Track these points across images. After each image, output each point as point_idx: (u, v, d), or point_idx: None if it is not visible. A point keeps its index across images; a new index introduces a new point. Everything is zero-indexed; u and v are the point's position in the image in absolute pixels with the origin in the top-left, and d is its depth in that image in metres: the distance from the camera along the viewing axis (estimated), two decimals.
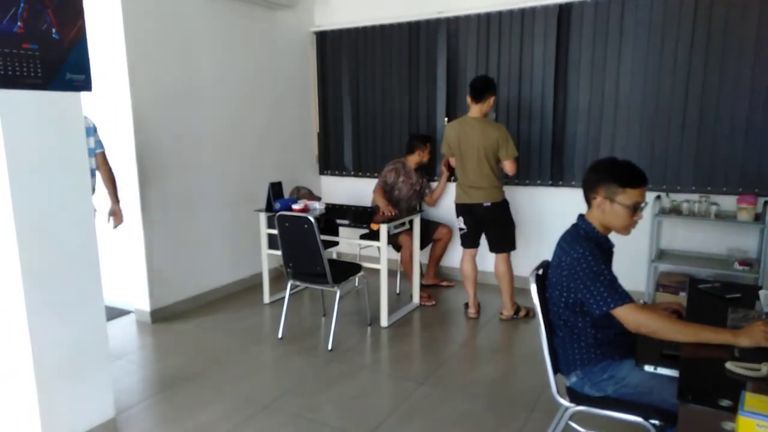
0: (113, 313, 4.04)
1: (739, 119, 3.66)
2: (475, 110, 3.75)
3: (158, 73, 3.85)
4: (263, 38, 4.72)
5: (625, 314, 1.79)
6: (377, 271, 3.82)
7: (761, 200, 3.61)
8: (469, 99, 3.79)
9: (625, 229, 1.96)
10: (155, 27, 3.79)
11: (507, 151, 3.69)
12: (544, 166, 4.38)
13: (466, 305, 4.09)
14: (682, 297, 3.77)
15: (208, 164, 4.30)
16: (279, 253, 3.86)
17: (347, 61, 5.15)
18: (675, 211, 3.78)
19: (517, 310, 3.95)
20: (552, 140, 4.29)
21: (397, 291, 4.56)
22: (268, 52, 4.78)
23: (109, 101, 3.76)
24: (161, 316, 3.99)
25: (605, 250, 1.99)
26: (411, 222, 4.11)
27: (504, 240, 3.89)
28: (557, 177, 4.36)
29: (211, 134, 4.30)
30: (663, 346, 1.84)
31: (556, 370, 2.01)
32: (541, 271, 2.06)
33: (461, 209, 3.92)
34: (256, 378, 3.11)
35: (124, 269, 4.07)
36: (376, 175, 5.15)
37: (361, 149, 5.23)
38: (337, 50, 5.19)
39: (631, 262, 4.05)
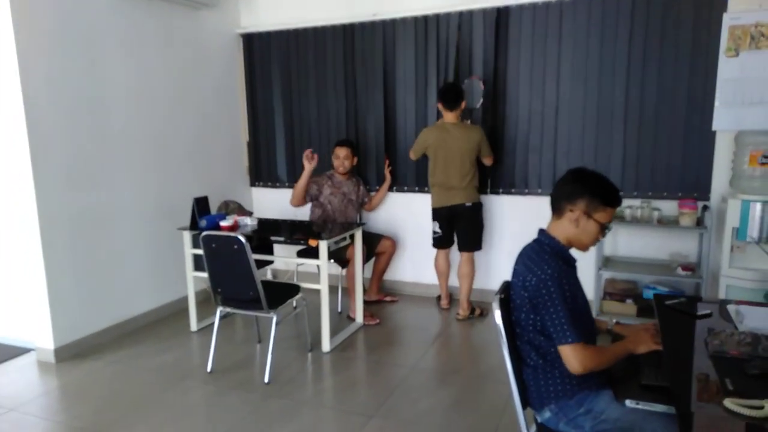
0: (8, 353, 3.49)
1: (678, 124, 3.67)
2: (450, 116, 3.89)
3: (59, 74, 3.36)
4: (184, 40, 4.30)
5: (573, 354, 1.63)
6: (316, 290, 3.51)
7: (700, 204, 3.63)
8: (440, 106, 3.91)
9: (588, 247, 1.87)
10: (53, 25, 3.31)
11: (486, 150, 3.93)
12: (493, 175, 4.24)
13: (439, 298, 4.32)
14: (629, 304, 3.73)
15: (123, 175, 3.83)
16: (206, 275, 3.50)
17: (278, 65, 4.82)
18: (618, 217, 3.74)
19: (472, 310, 4.06)
20: (495, 148, 4.15)
21: (339, 310, 4.26)
22: (190, 55, 4.36)
23: None
24: (69, 354, 3.47)
25: (571, 266, 1.84)
26: (353, 236, 3.84)
27: (475, 239, 4.04)
28: (495, 184, 4.24)
29: (126, 143, 3.84)
30: (642, 376, 1.68)
31: (524, 404, 1.80)
32: (503, 295, 1.85)
33: (440, 213, 4.00)
34: (185, 422, 2.72)
35: (19, 298, 3.52)
36: None
37: (296, 158, 4.89)
38: (266, 54, 4.84)
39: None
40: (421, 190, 4.47)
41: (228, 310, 3.28)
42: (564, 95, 3.93)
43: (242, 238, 2.97)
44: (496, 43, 4.04)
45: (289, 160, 4.92)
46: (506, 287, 1.88)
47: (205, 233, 3.07)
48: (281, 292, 3.33)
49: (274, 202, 5.03)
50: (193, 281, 3.86)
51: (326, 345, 3.51)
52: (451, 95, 3.87)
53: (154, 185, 4.08)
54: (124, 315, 3.87)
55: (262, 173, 5.07)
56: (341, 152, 4.19)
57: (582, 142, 3.92)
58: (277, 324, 3.17)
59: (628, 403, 1.58)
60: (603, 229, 1.79)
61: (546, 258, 1.75)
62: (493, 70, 4.07)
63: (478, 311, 4.09)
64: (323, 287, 3.46)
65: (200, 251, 3.59)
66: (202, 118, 4.52)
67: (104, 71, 3.66)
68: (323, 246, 3.41)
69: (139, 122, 3.94)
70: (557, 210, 1.83)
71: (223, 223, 3.68)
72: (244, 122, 5.03)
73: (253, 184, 5.12)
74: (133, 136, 3.90)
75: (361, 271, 3.90)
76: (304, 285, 3.50)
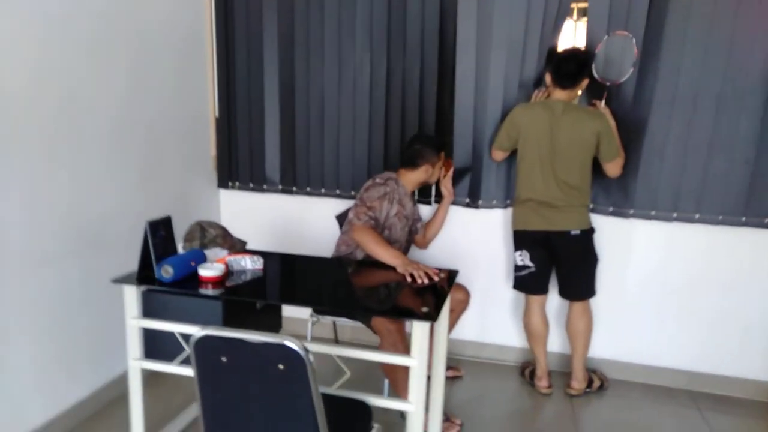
0: None
1: None
2: (563, 95, 2.56)
3: None
4: None
5: None
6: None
7: None
8: (549, 78, 2.59)
9: None
10: None
11: (610, 149, 2.53)
12: (607, 185, 2.78)
13: (531, 374, 2.90)
14: None
15: (3, 178, 1.94)
16: (162, 369, 1.81)
17: (270, 2, 3.02)
18: None
19: (590, 382, 2.85)
20: (625, 147, 2.67)
21: (402, 415, 2.56)
22: None
23: None
24: None
25: None
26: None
27: (589, 281, 2.73)
28: (624, 203, 2.79)
29: (13, 119, 1.94)
30: None
31: None
32: None
33: (527, 239, 2.68)
34: None
35: None
36: (323, 191, 3.13)
37: (296, 149, 3.13)
38: None
39: (746, 341, 2.67)
40: (475, 203, 2.97)
41: None
42: (762, 68, 2.51)
43: (297, 348, 1.26)
44: None
45: (286, 150, 3.15)
46: None
47: (202, 334, 1.29)
48: (345, 420, 1.65)
49: (259, 216, 3.26)
50: (141, 376, 2.05)
51: None
52: (570, 66, 2.52)
53: (60, 194, 2.20)
54: None
55: (238, 169, 3.24)
56: (442, 159, 2.74)
57: None
58: None
59: None
60: None
61: None
62: (644, 25, 2.58)
63: (597, 382, 2.86)
64: (416, 408, 1.81)
65: (157, 324, 1.88)
66: (141, 79, 2.64)
67: None
68: (421, 331, 1.76)
69: (37, 85, 2.04)
70: None
71: (204, 272, 1.95)
72: (212, 88, 3.18)
73: (223, 185, 3.28)
74: (27, 107, 2.00)
75: (444, 355, 2.28)
76: (377, 402, 1.82)
